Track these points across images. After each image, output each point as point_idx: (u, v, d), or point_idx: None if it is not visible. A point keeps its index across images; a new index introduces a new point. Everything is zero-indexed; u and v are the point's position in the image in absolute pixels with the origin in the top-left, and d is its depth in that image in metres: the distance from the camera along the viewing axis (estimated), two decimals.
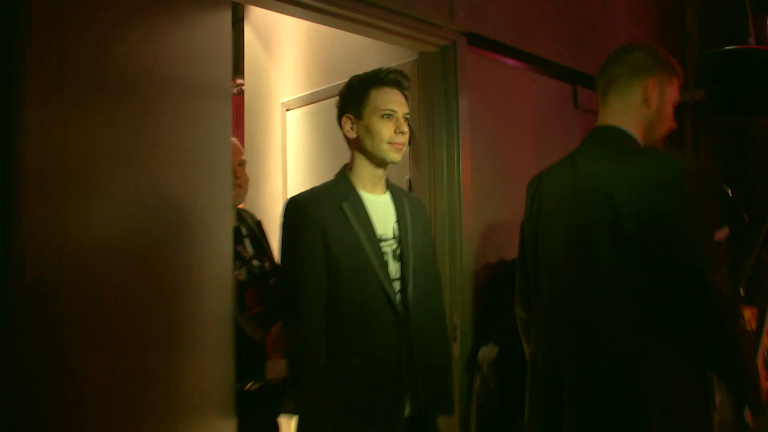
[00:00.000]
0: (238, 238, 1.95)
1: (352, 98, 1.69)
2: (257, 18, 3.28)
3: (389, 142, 1.65)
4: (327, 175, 2.80)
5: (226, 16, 1.68)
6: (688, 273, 1.32)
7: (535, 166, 1.92)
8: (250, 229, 2.06)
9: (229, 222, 1.70)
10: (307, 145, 3.01)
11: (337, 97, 1.78)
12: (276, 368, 1.87)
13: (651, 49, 1.57)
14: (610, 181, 1.40)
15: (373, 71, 1.71)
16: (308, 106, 3.00)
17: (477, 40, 2.44)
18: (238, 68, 3.37)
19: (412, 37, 2.31)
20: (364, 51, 2.65)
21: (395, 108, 1.66)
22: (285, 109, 3.12)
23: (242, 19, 3.32)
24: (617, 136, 1.51)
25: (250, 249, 2.00)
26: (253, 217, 2.15)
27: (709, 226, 1.39)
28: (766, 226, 2.30)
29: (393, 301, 1.63)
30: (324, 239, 1.60)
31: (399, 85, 1.71)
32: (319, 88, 2.90)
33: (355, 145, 1.71)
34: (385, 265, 1.65)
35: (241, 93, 3.45)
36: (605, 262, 1.38)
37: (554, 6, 2.78)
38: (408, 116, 1.72)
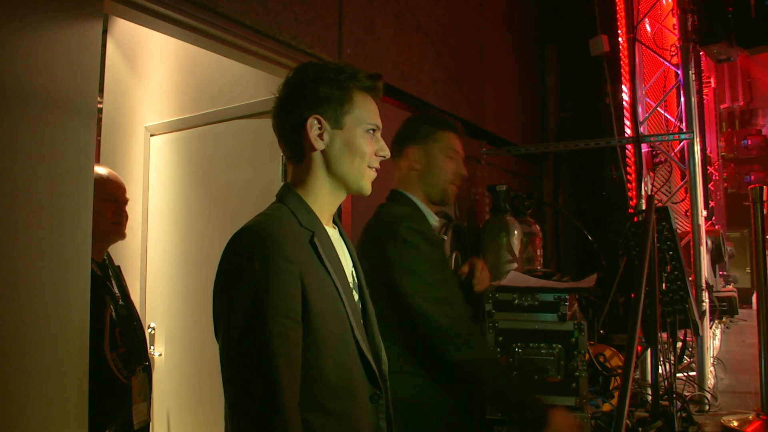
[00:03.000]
0: (108, 274, 2.03)
1: (327, 96, 1.21)
2: (122, 32, 3.04)
3: (370, 166, 1.25)
4: (196, 215, 2.58)
5: (96, 28, 1.58)
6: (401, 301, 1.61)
7: None
8: (115, 270, 2.11)
9: (88, 259, 1.54)
10: (174, 176, 2.80)
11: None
12: (139, 413, 1.93)
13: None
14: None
15: (346, 66, 1.25)
16: (176, 133, 2.80)
17: None
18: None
19: None
20: (242, 79, 2.54)
21: (379, 125, 1.27)
22: (149, 134, 2.91)
23: (105, 32, 3.08)
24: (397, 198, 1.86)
25: (116, 289, 2.04)
26: (113, 261, 2.15)
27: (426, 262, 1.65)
28: (620, 269, 2.49)
29: (375, 378, 1.21)
30: (303, 292, 1.10)
31: (377, 98, 1.30)
32: (190, 115, 2.73)
33: (320, 160, 1.24)
34: (362, 328, 1.23)
35: (98, 113, 3.16)
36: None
37: (434, 51, 2.85)
38: None
